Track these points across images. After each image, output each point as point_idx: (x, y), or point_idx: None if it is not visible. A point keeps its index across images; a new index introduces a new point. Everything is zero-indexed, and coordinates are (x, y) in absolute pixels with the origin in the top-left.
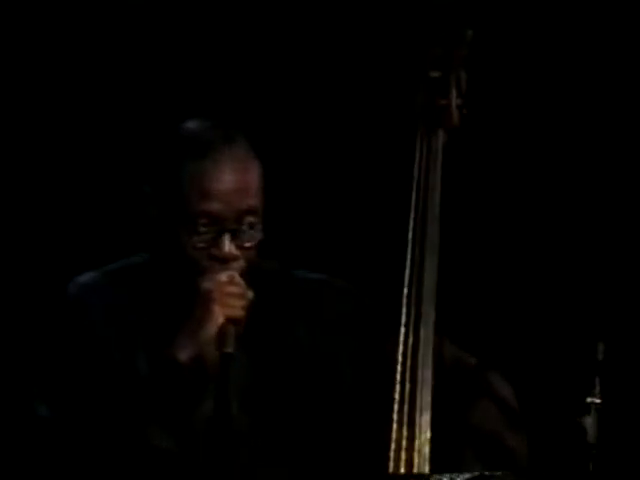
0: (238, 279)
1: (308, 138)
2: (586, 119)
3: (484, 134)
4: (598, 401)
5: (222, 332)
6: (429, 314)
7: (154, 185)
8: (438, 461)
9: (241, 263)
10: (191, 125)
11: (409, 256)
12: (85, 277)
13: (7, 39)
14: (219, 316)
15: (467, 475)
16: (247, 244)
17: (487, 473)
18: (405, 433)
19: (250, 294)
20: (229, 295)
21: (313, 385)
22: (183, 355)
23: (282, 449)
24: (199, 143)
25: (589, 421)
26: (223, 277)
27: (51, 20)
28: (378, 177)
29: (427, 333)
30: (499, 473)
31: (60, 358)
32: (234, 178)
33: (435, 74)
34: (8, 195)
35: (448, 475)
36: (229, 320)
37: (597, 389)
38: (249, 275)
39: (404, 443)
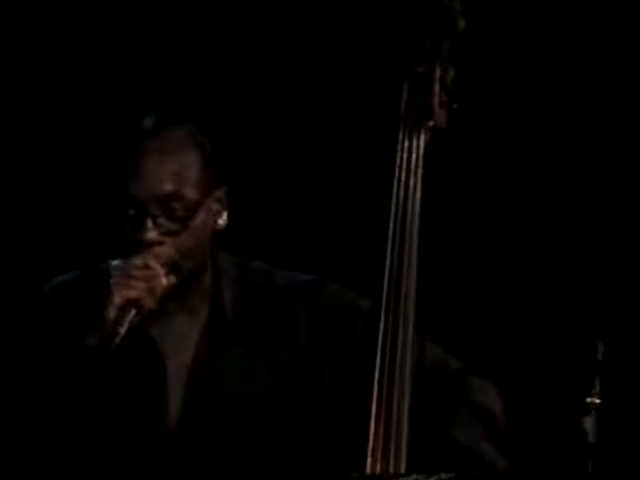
0: (152, 264)
1: (291, 137)
2: (575, 117)
3: (469, 133)
4: (598, 401)
5: (121, 312)
6: (408, 315)
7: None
8: (415, 466)
9: (165, 250)
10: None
11: (388, 255)
12: (61, 278)
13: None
14: (117, 296)
15: (445, 475)
16: (171, 231)
17: (465, 474)
18: (382, 433)
19: (170, 280)
20: (132, 277)
21: (291, 386)
22: (89, 339)
23: (257, 451)
24: (135, 131)
25: (589, 421)
26: (136, 260)
27: (34, 20)
28: (359, 175)
29: (405, 335)
30: (476, 474)
31: (31, 356)
32: (159, 162)
33: (420, 69)
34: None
35: (426, 475)
36: (130, 302)
37: (597, 389)
38: (178, 265)
39: (381, 443)
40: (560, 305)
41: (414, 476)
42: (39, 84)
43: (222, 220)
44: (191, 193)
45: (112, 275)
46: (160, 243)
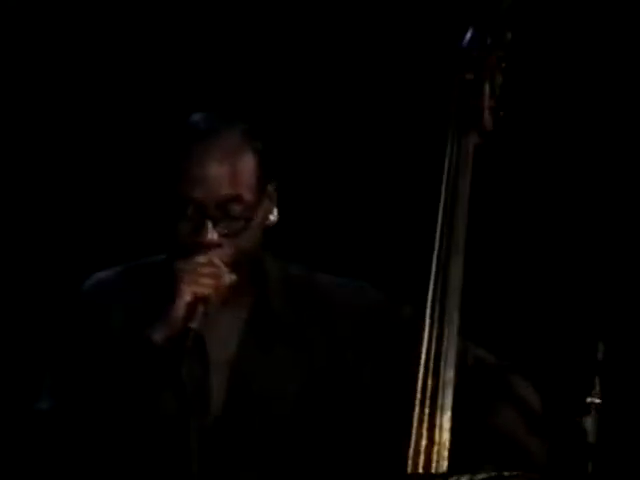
0: (216, 261)
1: (340, 140)
2: (617, 125)
3: (509, 139)
4: (598, 401)
5: (189, 309)
6: (453, 314)
7: (158, 177)
8: (457, 462)
9: (225, 250)
10: (191, 117)
11: (435, 256)
12: (101, 273)
13: (8, 39)
14: (186, 293)
15: (485, 475)
16: (230, 233)
17: (506, 474)
18: (425, 433)
19: (232, 277)
20: (199, 274)
21: (330, 385)
22: (157, 335)
23: (298, 449)
24: (191, 132)
25: (589, 421)
26: (200, 258)
27: (54, 20)
28: (408, 178)
29: (451, 333)
30: (517, 473)
31: (71, 352)
32: (218, 165)
33: (469, 76)
34: (38, 191)
35: (467, 475)
36: (198, 298)
37: (597, 389)
38: (238, 264)
39: (423, 443)
40: (560, 305)
41: (455, 477)
42: (80, 81)
43: (273, 216)
44: (249, 194)
45: (178, 274)
46: (219, 245)
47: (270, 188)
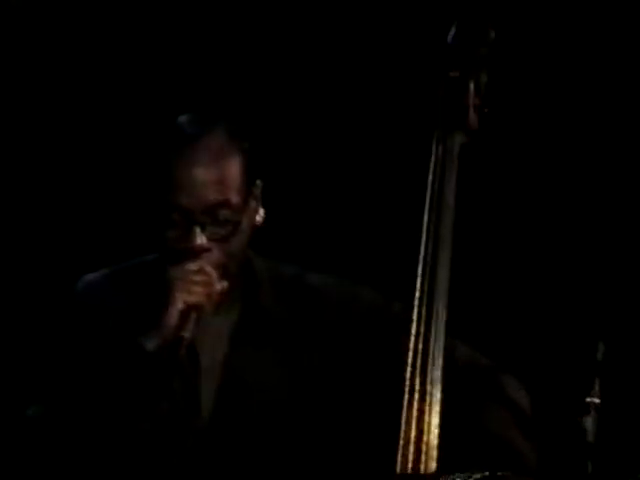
0: (208, 269)
1: (326, 138)
2: (605, 126)
3: (499, 137)
4: (598, 401)
5: (182, 317)
6: (440, 312)
7: (144, 181)
8: (446, 461)
9: (215, 255)
10: (176, 120)
11: (422, 254)
12: (92, 275)
13: (6, 39)
14: (179, 302)
15: (477, 475)
16: (219, 237)
17: (499, 474)
18: (413, 433)
19: (223, 284)
20: (192, 282)
21: (321, 385)
22: (149, 343)
23: (289, 449)
24: (175, 137)
25: (589, 421)
26: (192, 266)
27: (50, 20)
28: (394, 176)
29: (438, 331)
30: (509, 473)
31: (62, 355)
32: (204, 171)
33: (454, 74)
34: (28, 193)
35: (458, 475)
36: (190, 306)
37: (597, 389)
38: (228, 268)
39: (412, 443)
40: (560, 305)
41: (446, 477)
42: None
43: (259, 216)
44: (236, 198)
45: (170, 282)
46: (208, 250)
47: (256, 188)
